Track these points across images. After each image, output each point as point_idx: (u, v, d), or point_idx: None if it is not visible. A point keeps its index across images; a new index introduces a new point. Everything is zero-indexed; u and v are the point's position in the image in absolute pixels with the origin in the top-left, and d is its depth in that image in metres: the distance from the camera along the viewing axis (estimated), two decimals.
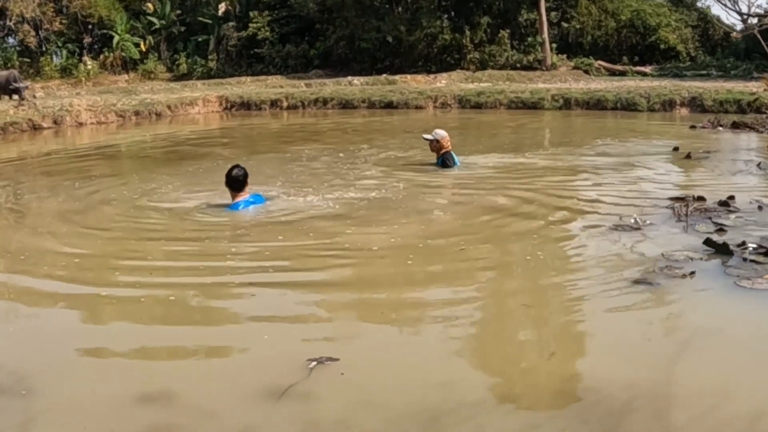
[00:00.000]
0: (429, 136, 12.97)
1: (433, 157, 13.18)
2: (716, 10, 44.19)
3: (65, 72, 42.38)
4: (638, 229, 8.42)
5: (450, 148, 12.93)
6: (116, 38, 43.20)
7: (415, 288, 6.98)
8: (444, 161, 12.84)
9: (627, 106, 24.31)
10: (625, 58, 40.97)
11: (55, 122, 24.42)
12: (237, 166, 9.88)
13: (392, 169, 13.25)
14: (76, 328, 6.23)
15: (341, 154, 15.53)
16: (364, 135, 20.18)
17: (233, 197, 9.77)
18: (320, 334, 5.87)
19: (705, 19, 43.63)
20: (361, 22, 39.26)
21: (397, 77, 34.92)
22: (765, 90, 24.01)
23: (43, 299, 6.99)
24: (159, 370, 5.34)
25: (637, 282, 6.63)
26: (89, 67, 42.08)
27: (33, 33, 42.11)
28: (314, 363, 5.09)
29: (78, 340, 5.97)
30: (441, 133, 12.93)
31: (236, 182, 9.73)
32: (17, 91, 27.47)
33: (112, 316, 6.52)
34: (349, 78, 35.17)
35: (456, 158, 12.97)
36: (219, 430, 4.52)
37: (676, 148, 14.69)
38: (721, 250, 7.38)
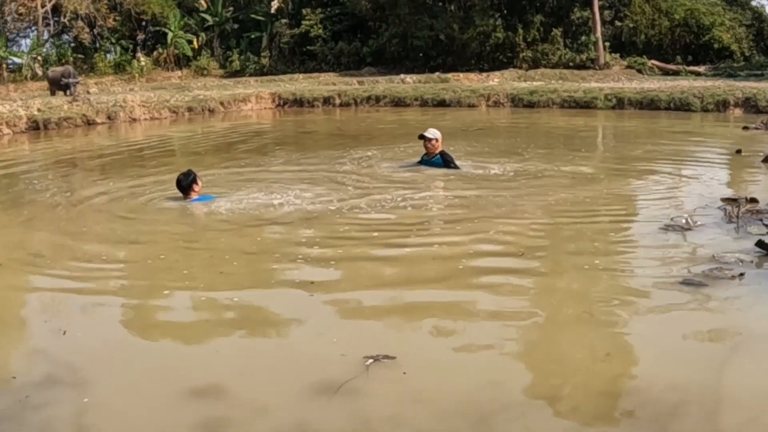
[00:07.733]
0: (430, 135, 12.74)
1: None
2: None
3: (119, 68, 43.02)
4: (689, 229, 8.37)
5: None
6: (170, 35, 43.73)
7: (469, 289, 6.98)
8: (446, 161, 12.63)
9: (680, 106, 24.08)
10: (678, 58, 40.76)
11: (108, 117, 24.70)
12: (183, 173, 10.76)
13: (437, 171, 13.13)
14: (129, 321, 6.31)
15: (387, 154, 15.41)
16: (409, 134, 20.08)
17: (185, 197, 10.62)
18: (375, 333, 5.91)
19: (760, 19, 43.26)
20: (414, 20, 39.37)
21: (449, 75, 34.96)
22: None
23: (96, 293, 7.08)
24: (212, 364, 5.39)
25: (687, 283, 6.60)
26: (142, 63, 42.67)
27: (87, 30, 42.85)
28: (371, 360, 5.14)
29: (132, 333, 6.08)
30: (437, 132, 12.78)
31: (183, 186, 10.67)
32: (68, 86, 27.92)
33: (167, 310, 6.62)
34: (402, 76, 35.25)
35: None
36: (271, 425, 4.57)
37: (738, 151, 14.47)
38: None
